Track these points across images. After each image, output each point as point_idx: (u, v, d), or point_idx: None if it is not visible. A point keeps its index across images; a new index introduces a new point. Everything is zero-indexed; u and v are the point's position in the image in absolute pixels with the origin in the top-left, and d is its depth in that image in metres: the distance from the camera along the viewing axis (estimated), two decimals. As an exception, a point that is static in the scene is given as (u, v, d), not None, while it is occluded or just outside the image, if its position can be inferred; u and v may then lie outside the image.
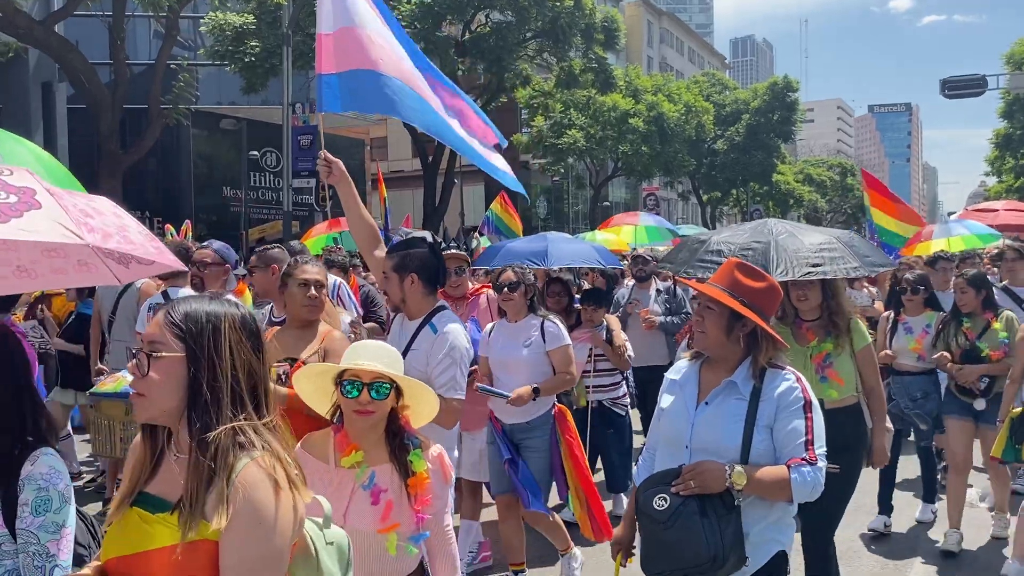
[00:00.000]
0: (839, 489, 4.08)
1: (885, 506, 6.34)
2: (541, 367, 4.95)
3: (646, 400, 7.55)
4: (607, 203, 44.44)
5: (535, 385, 4.81)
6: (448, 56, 25.24)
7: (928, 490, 6.57)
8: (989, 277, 6.67)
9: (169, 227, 7.94)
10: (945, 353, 5.87)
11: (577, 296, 7.30)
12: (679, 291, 7.83)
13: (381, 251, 4.15)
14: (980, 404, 5.76)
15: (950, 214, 20.18)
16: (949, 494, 5.96)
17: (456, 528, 5.83)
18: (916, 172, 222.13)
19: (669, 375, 3.19)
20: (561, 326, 5.03)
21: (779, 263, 4.19)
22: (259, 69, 24.33)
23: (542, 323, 4.98)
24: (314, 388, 2.79)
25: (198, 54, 29.91)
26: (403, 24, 25.17)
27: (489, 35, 26.77)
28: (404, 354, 3.61)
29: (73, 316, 7.47)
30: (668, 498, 2.78)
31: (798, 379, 2.90)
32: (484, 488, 5.57)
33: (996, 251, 9.38)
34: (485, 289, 5.83)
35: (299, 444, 2.71)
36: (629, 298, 8.03)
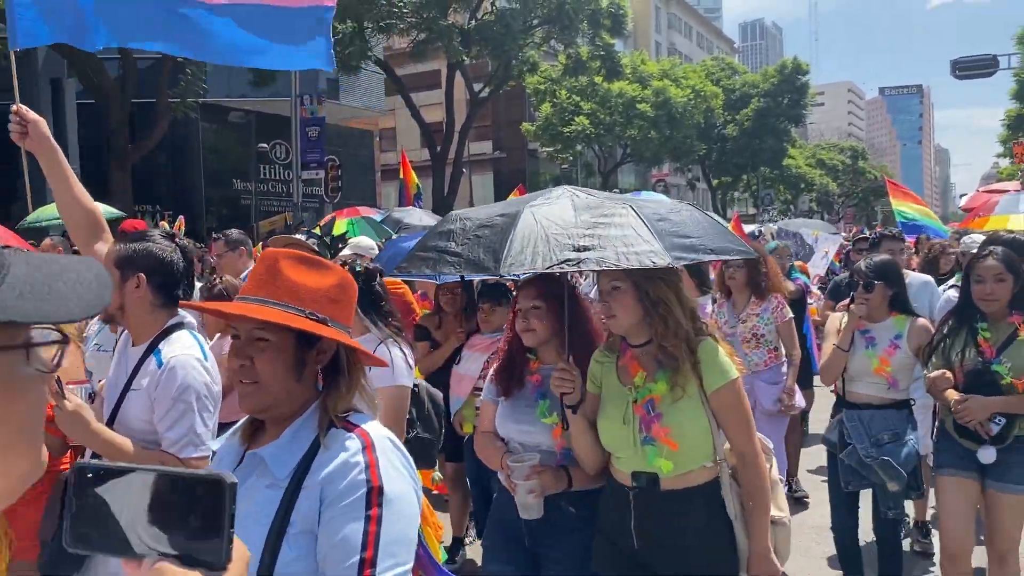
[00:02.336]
0: None
1: None
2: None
3: None
4: (616, 190, 44.31)
5: None
6: (454, 45, 25.20)
7: None
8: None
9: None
10: (946, 372, 3.83)
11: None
12: None
13: (103, 244, 3.05)
14: (988, 455, 3.73)
15: (962, 196, 20.03)
16: None
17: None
18: (928, 154, 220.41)
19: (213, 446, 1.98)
20: (400, 356, 3.45)
21: (513, 250, 2.69)
22: (267, 59, 24.38)
23: (375, 349, 3.43)
24: None
25: (206, 47, 29.98)
26: (407, 12, 25.22)
27: (494, 22, 26.71)
28: (122, 397, 2.70)
29: None
30: None
31: (368, 446, 1.67)
32: None
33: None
34: None
35: None
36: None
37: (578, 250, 2.61)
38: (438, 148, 29.21)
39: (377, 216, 12.85)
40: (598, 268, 2.63)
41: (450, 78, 28.95)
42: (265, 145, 27.69)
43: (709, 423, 2.72)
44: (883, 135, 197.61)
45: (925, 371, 3.98)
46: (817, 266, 10.21)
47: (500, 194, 32.74)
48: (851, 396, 4.25)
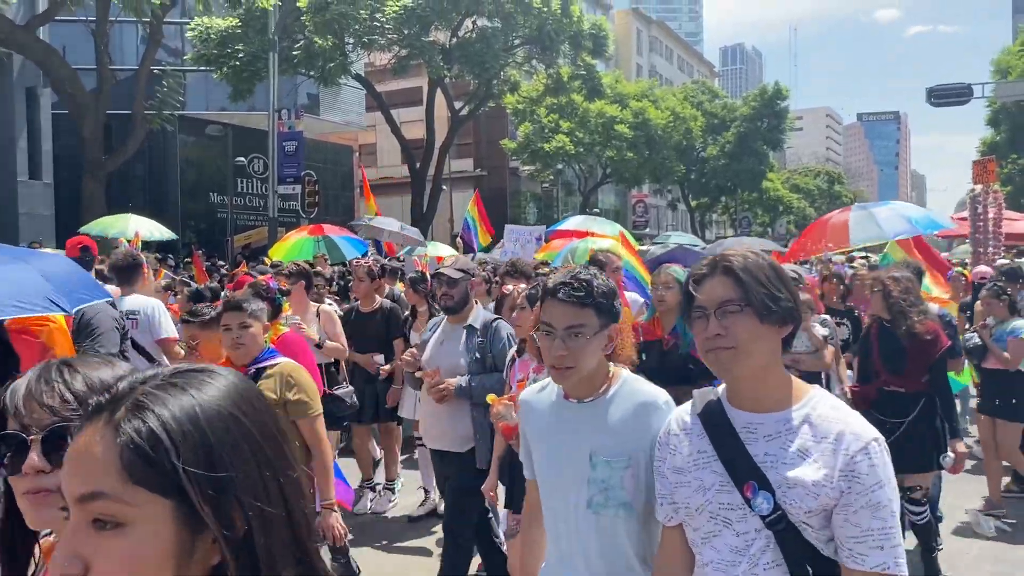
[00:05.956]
0: None
1: None
2: None
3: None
4: (596, 210, 44.39)
5: None
6: (435, 61, 25.21)
7: None
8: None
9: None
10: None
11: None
12: (501, 329, 4.74)
13: None
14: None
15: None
16: None
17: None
18: (904, 180, 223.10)
19: None
20: None
21: None
22: (244, 73, 24.29)
23: None
24: None
25: (184, 60, 29.85)
26: (388, 29, 25.26)
27: (475, 40, 26.76)
28: None
29: None
30: None
31: None
32: None
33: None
34: None
35: None
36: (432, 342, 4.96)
37: None
38: (418, 165, 29.14)
39: (341, 237, 12.80)
40: None
41: (431, 95, 28.94)
42: (243, 159, 27.52)
43: None
44: (860, 160, 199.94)
45: None
46: None
47: (479, 212, 32.69)
48: None
